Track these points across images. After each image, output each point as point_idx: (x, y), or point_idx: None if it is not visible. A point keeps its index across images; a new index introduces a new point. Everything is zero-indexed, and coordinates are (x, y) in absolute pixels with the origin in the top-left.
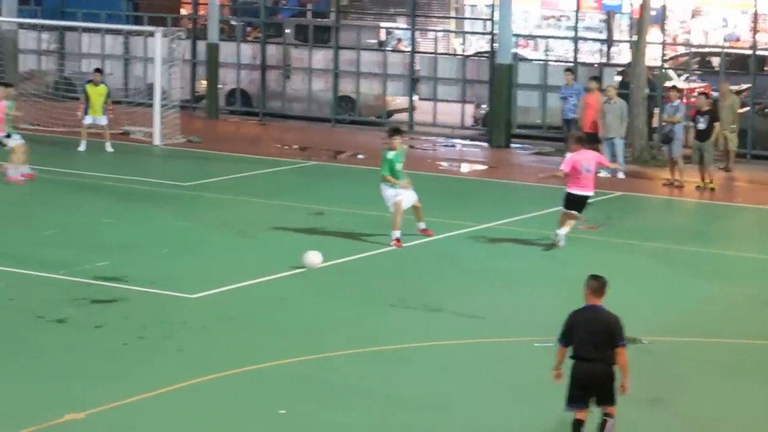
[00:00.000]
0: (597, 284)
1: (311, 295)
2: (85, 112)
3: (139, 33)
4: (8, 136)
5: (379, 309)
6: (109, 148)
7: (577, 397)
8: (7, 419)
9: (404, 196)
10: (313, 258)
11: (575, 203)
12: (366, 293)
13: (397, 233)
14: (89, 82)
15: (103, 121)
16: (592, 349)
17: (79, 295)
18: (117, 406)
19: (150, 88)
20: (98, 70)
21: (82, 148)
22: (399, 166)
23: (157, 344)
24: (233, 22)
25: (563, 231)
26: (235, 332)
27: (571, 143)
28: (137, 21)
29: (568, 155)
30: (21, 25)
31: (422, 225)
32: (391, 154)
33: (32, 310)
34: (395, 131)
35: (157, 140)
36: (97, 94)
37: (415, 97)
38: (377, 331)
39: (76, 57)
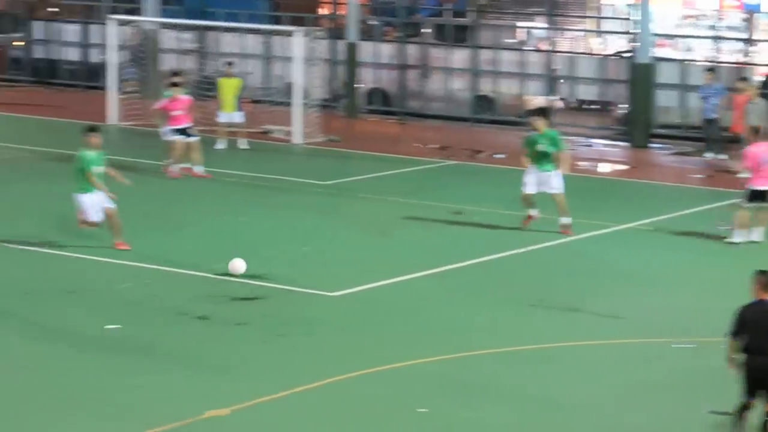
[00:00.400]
0: (766, 279)
1: (450, 294)
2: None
3: (278, 33)
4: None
5: (518, 308)
6: (243, 145)
7: (750, 389)
8: (150, 415)
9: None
10: (237, 265)
11: (760, 197)
12: (505, 293)
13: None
14: (222, 75)
15: (237, 118)
16: (765, 343)
17: (220, 293)
18: (258, 403)
19: (289, 87)
20: (230, 63)
21: (220, 146)
22: (541, 148)
23: (298, 342)
24: (372, 22)
25: (747, 232)
26: (375, 330)
27: (749, 137)
28: (277, 21)
29: (746, 150)
30: (163, 25)
31: (565, 221)
32: (533, 136)
33: (175, 308)
34: (537, 112)
35: (297, 139)
36: (229, 86)
37: (554, 97)
38: (517, 330)
39: (216, 56)
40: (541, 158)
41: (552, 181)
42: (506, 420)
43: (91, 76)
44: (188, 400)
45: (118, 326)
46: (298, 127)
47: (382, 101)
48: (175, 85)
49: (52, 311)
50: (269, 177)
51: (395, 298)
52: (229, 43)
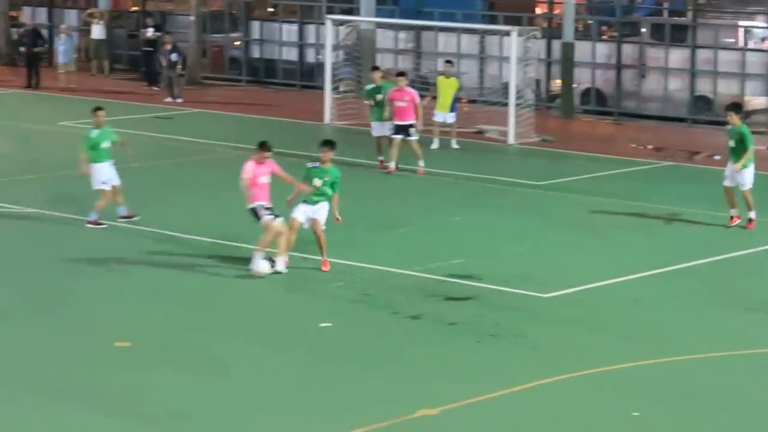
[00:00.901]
0: None
1: (665, 297)
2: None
3: (494, 32)
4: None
5: (735, 313)
6: (454, 144)
7: None
8: (362, 413)
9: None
10: (262, 266)
11: None
12: (722, 296)
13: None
14: (441, 74)
15: (451, 118)
16: None
17: (433, 292)
18: (470, 404)
19: (504, 87)
20: (449, 62)
21: (434, 145)
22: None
23: (510, 343)
24: (589, 21)
25: None
26: (588, 332)
27: None
28: (492, 20)
29: None
30: (379, 25)
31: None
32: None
33: (388, 306)
34: (731, 107)
35: (511, 139)
36: (447, 86)
37: None
38: (734, 335)
39: (432, 56)
40: (732, 153)
41: (737, 176)
42: (723, 428)
43: (308, 75)
44: (399, 399)
45: (331, 324)
46: (512, 127)
47: (597, 101)
48: (401, 74)
49: (267, 309)
50: (483, 177)
51: (609, 300)
52: (444, 42)
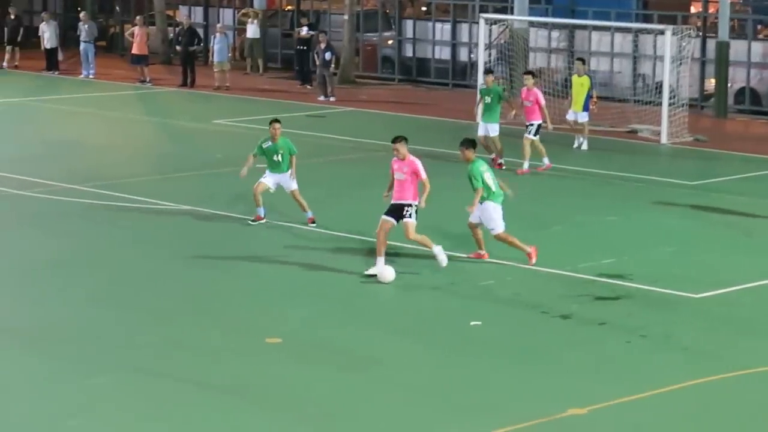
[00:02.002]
0: None
1: None
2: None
3: (648, 31)
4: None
5: None
6: (584, 146)
7: None
8: (512, 411)
9: None
10: (387, 274)
11: None
12: None
13: None
14: (575, 73)
15: (582, 117)
16: None
17: (583, 292)
18: (619, 403)
19: (658, 86)
20: (581, 60)
21: (577, 144)
22: None
23: (660, 343)
24: (744, 20)
25: None
26: (740, 333)
27: None
28: (647, 19)
29: None
30: (532, 24)
31: None
32: None
33: (538, 305)
34: None
35: (664, 139)
36: (578, 84)
37: None
38: None
39: (585, 55)
40: None
41: None
42: None
43: (460, 74)
44: (548, 398)
45: (480, 323)
46: (665, 126)
47: (751, 101)
48: (528, 74)
49: (417, 306)
50: (636, 177)
51: (761, 301)
52: (597, 41)
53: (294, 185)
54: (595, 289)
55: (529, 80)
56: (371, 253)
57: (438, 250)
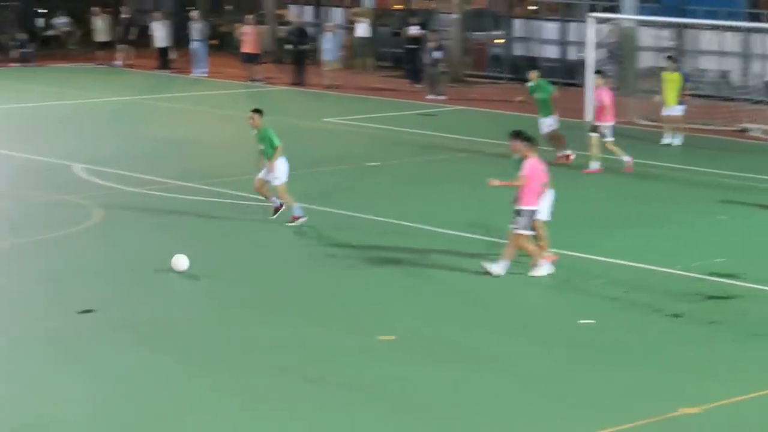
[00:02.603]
0: None
1: None
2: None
3: (758, 30)
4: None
5: None
6: (674, 141)
7: None
8: (623, 409)
9: None
10: (179, 262)
11: None
12: None
13: None
14: (663, 69)
15: (675, 111)
16: None
17: (694, 291)
18: (732, 403)
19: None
20: (671, 58)
21: (667, 141)
22: None
23: None
24: None
25: None
26: None
27: None
28: (756, 18)
29: None
30: (641, 23)
31: None
32: None
33: (648, 304)
34: None
35: None
36: (669, 81)
37: None
38: None
39: (694, 54)
40: None
41: None
42: None
43: (569, 73)
44: (660, 397)
45: (592, 321)
46: None
47: None
48: (597, 73)
49: (527, 305)
50: (747, 176)
51: None
52: (707, 40)
53: (270, 177)
54: (707, 288)
55: (598, 80)
56: (484, 250)
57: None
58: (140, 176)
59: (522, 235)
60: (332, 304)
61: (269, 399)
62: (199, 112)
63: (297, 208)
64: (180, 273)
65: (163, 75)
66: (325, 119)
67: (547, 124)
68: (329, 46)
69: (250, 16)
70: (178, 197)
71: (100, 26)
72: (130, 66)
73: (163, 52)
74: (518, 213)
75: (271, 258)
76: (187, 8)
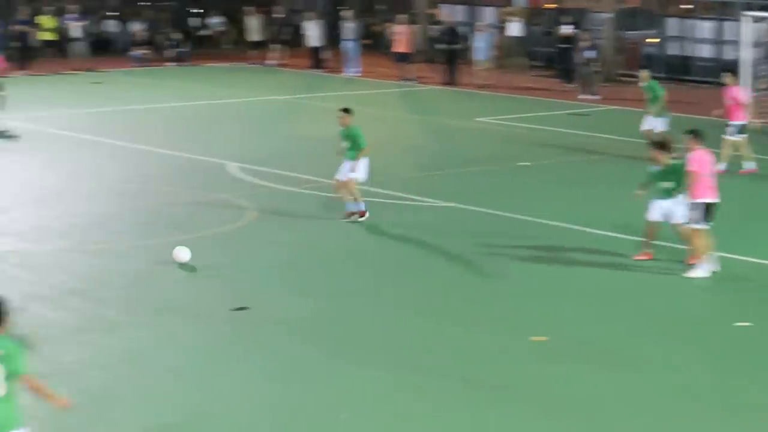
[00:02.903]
0: None
1: None
2: None
3: None
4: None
5: None
6: None
7: None
8: None
9: None
10: (180, 254)
11: None
12: None
13: None
14: None
15: None
16: None
17: None
18: None
19: None
20: None
21: None
22: None
23: None
24: None
25: None
26: None
27: None
28: None
29: None
30: None
31: None
32: None
33: None
34: None
35: None
36: None
37: None
38: None
39: None
40: None
41: None
42: None
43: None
44: None
45: (748, 324)
46: None
47: None
48: (728, 71)
49: (679, 306)
50: None
51: None
52: None
53: (346, 174)
54: None
55: (728, 78)
56: (632, 251)
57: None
58: (294, 175)
59: (696, 229)
60: (484, 303)
61: (418, 397)
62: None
63: (362, 204)
64: (181, 264)
65: (316, 74)
66: (477, 119)
67: (654, 123)
68: (482, 46)
69: (403, 16)
70: (332, 196)
71: (254, 26)
72: (283, 65)
73: (315, 51)
74: (692, 207)
75: (423, 257)
76: (339, 8)
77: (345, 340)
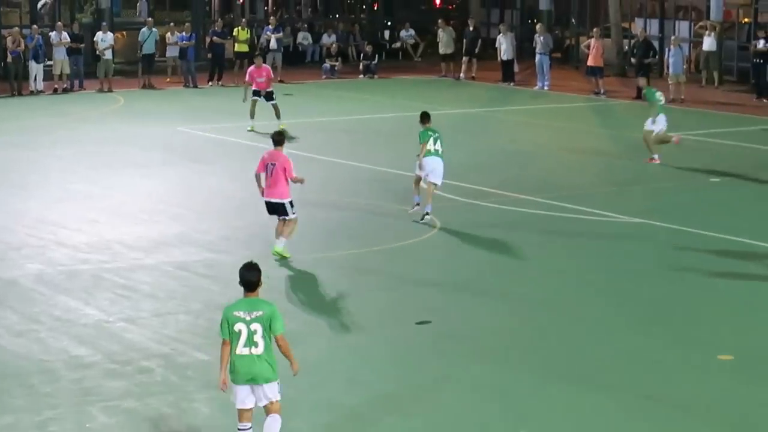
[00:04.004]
0: None
1: None
2: None
3: None
4: None
5: None
6: None
7: None
8: None
9: None
10: None
11: None
12: None
13: None
14: None
15: None
16: None
17: None
18: None
19: None
20: None
21: None
22: None
23: None
24: None
25: None
26: None
27: None
28: None
29: None
30: None
31: None
32: None
33: None
34: None
35: None
36: None
37: None
38: None
39: None
40: None
41: None
42: None
43: None
44: None
45: None
46: None
47: None
48: None
49: None
50: None
51: None
52: None
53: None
54: None
55: None
56: None
57: None
58: (478, 188)
59: None
60: (671, 319)
61: (601, 414)
62: (539, 124)
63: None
64: None
65: (507, 88)
66: (668, 133)
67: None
68: (674, 60)
69: (596, 29)
70: (515, 209)
71: (445, 39)
72: (472, 78)
73: (507, 64)
74: None
75: (607, 271)
76: (531, 21)
77: (527, 356)
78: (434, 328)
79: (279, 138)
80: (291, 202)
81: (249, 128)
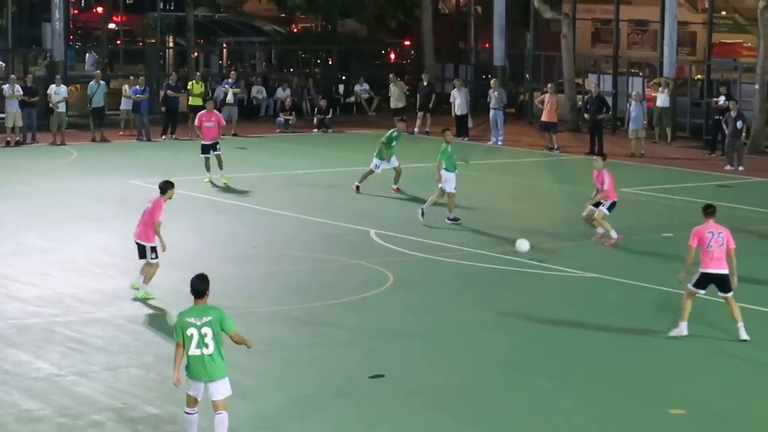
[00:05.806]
0: None
1: None
2: None
3: None
4: None
5: None
6: None
7: None
8: None
9: None
10: (522, 245)
11: None
12: None
13: None
14: None
15: None
16: None
17: None
18: None
19: None
20: None
21: None
22: None
23: None
24: None
25: None
26: None
27: None
28: None
29: None
30: None
31: None
32: None
33: None
34: None
35: None
36: None
37: None
38: None
39: None
40: None
41: None
42: None
43: None
44: None
45: None
46: None
47: None
48: None
49: None
50: None
51: None
52: None
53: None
54: None
55: None
56: None
57: None
58: (431, 242)
59: None
60: (621, 373)
61: None
62: (494, 179)
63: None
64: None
65: (461, 143)
66: (622, 189)
67: None
68: (635, 115)
69: (550, 85)
70: (472, 264)
71: (396, 93)
72: (426, 133)
73: (461, 119)
74: None
75: (564, 324)
76: (486, 76)
77: (486, 411)
78: (387, 381)
79: (164, 186)
80: (153, 248)
81: (206, 180)
